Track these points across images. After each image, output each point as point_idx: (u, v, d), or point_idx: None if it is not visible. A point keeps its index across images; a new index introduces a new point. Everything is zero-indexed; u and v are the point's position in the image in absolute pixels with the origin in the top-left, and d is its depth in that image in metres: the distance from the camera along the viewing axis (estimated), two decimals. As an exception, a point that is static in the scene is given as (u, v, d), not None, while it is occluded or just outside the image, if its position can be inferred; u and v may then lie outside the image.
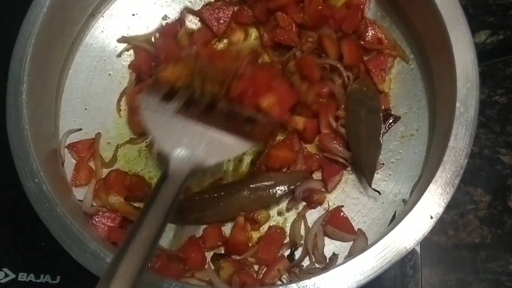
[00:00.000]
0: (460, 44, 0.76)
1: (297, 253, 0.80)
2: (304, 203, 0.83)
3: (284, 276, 0.78)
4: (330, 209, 0.81)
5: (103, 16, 0.92)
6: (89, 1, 0.89)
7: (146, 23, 0.92)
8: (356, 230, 0.80)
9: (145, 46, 0.89)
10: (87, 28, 0.91)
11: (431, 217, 0.70)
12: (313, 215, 0.82)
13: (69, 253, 0.70)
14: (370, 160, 0.82)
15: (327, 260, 0.78)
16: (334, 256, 0.79)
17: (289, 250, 0.80)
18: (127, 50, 0.91)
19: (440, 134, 0.79)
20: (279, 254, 0.79)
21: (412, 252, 0.82)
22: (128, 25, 0.92)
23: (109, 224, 0.80)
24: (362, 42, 0.87)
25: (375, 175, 0.82)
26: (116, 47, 0.91)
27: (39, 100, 0.80)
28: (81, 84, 0.89)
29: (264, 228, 0.81)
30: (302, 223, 0.81)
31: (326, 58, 0.86)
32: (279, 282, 0.77)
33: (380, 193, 0.81)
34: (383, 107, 0.85)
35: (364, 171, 0.81)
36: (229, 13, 0.91)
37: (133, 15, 0.93)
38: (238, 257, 0.79)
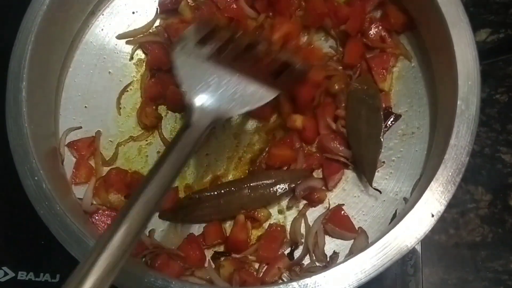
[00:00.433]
0: (461, 42, 0.75)
1: (298, 252, 0.80)
2: (304, 202, 0.82)
3: (285, 274, 0.77)
4: (330, 207, 0.81)
5: (103, 14, 0.92)
6: (89, -1, 0.89)
7: (146, 21, 0.92)
8: (357, 229, 0.79)
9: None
10: (87, 26, 0.91)
11: (432, 215, 0.69)
12: (313, 214, 0.81)
13: (69, 252, 0.70)
14: (370, 159, 0.82)
15: (328, 259, 0.78)
16: (335, 254, 0.78)
17: (289, 249, 0.80)
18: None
19: (441, 132, 0.79)
20: (279, 253, 0.79)
21: (413, 250, 0.82)
22: (128, 23, 0.92)
23: (109, 222, 0.80)
24: (365, 40, 0.86)
25: (376, 173, 0.82)
26: (116, 45, 0.91)
27: (39, 98, 0.80)
28: (81, 82, 0.89)
29: (265, 226, 0.81)
30: (303, 221, 0.80)
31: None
32: (279, 281, 0.77)
33: (380, 192, 0.81)
34: (383, 105, 0.85)
35: (365, 170, 0.81)
36: None
37: (133, 13, 0.93)
38: (238, 256, 0.79)
